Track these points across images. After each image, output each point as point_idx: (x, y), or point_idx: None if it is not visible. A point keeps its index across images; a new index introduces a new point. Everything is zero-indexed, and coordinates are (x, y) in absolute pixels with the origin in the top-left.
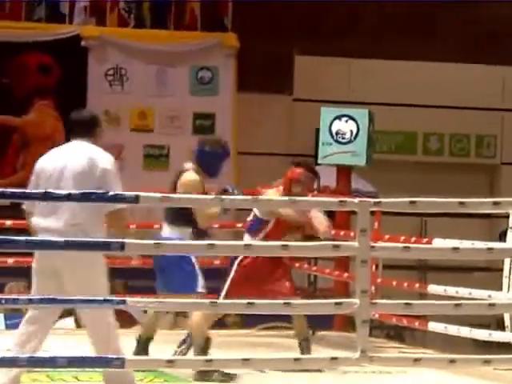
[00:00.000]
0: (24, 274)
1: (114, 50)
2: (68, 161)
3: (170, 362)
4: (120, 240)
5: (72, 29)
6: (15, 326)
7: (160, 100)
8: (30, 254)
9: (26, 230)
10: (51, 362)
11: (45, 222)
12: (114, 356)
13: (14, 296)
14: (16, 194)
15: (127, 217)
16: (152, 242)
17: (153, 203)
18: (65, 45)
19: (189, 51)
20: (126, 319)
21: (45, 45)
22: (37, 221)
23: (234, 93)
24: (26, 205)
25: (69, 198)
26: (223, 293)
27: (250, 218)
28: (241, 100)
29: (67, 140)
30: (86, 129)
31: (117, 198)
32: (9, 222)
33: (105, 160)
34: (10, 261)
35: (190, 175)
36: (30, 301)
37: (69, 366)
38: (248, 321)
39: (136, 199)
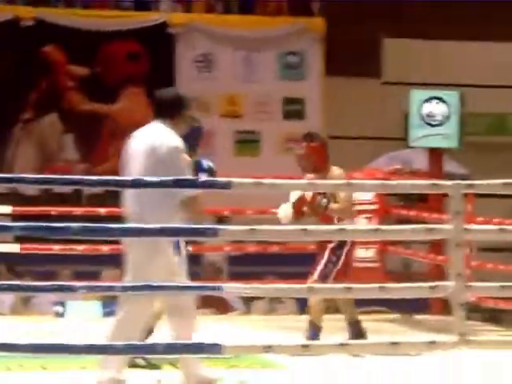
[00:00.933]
0: (119, 261)
1: (202, 36)
2: (138, 145)
3: (268, 348)
4: (214, 226)
5: (159, 16)
6: (111, 314)
7: (248, 86)
8: None
9: (120, 218)
10: (150, 349)
11: (129, 208)
12: (211, 342)
13: (109, 283)
14: (116, 182)
15: (202, 203)
16: (247, 227)
17: (246, 188)
18: (152, 32)
19: (276, 36)
20: (222, 305)
21: (133, 33)
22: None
23: (322, 77)
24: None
25: (160, 184)
26: (329, 278)
27: None
28: (329, 84)
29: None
30: (165, 110)
31: (209, 184)
32: (103, 210)
33: (170, 144)
34: (105, 248)
35: None
36: (125, 288)
37: (165, 353)
38: None
39: (228, 185)
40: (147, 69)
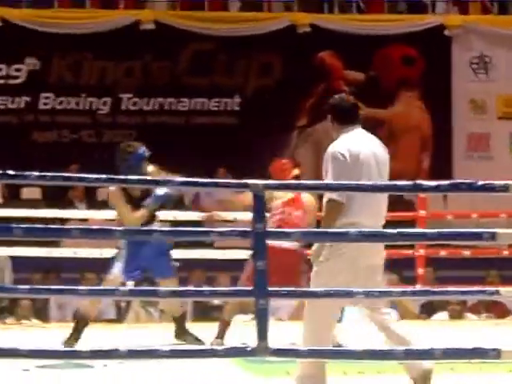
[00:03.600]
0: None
1: (478, 37)
2: (374, 149)
3: None
4: (491, 230)
5: (435, 19)
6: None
7: None
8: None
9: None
10: (428, 354)
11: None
12: (491, 347)
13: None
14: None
15: (337, 208)
16: None
17: None
18: (427, 35)
19: None
20: (500, 309)
21: (408, 36)
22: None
23: None
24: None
25: (437, 189)
26: None
27: None
28: None
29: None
30: (357, 115)
31: (485, 188)
32: None
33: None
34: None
35: None
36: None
37: (444, 358)
38: None
39: (506, 188)
40: (422, 72)
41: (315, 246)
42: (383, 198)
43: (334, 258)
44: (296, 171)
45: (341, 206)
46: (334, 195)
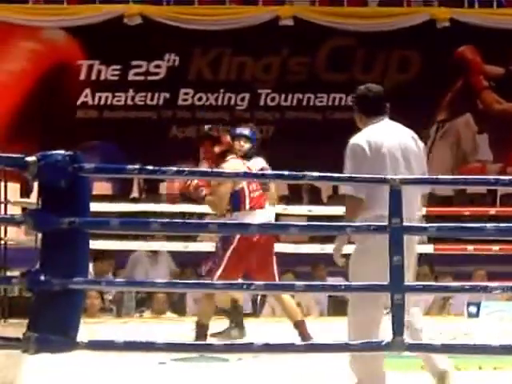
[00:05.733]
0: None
1: None
2: (401, 139)
3: None
4: None
5: None
6: None
7: None
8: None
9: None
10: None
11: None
12: None
13: None
14: None
15: (355, 203)
16: None
17: None
18: None
19: None
20: None
21: None
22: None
23: None
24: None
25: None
26: None
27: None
28: None
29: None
30: (386, 104)
31: None
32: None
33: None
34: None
35: None
36: None
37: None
38: None
39: None
40: None
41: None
42: (414, 191)
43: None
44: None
45: (358, 202)
46: (349, 190)
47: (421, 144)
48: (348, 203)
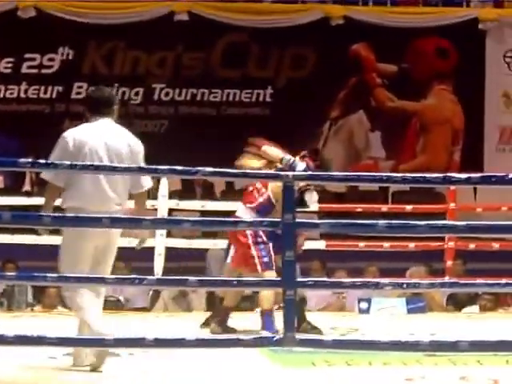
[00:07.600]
0: (425, 258)
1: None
2: (108, 140)
3: None
4: None
5: (469, 12)
6: (416, 311)
7: None
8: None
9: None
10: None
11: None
12: None
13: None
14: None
15: (53, 189)
16: None
17: None
18: (461, 28)
19: None
20: None
21: (441, 29)
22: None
23: None
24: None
25: (468, 181)
26: None
27: (261, 200)
28: None
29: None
30: (109, 106)
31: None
32: (409, 207)
33: (139, 144)
34: (412, 245)
35: None
36: (432, 285)
37: (470, 350)
38: None
39: None
40: (455, 65)
41: None
42: (113, 185)
43: None
44: None
45: (56, 188)
46: (49, 177)
47: (138, 148)
48: (47, 189)
